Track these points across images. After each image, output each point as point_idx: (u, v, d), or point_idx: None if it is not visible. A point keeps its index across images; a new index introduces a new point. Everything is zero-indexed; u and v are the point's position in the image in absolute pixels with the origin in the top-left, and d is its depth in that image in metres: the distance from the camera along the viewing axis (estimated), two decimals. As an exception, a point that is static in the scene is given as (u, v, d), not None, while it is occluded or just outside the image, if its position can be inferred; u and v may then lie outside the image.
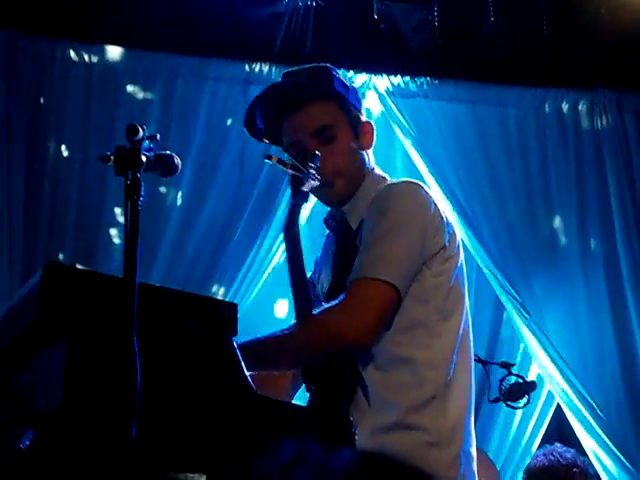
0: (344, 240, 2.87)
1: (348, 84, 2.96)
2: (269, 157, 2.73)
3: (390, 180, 2.92)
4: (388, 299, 2.62)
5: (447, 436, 2.67)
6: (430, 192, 2.84)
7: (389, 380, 2.68)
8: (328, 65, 3.00)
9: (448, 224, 2.79)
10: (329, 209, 2.98)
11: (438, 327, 2.73)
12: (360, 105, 2.96)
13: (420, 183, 2.88)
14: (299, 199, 2.71)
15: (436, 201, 2.81)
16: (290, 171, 2.69)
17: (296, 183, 2.70)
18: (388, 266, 2.63)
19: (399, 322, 2.67)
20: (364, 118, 2.94)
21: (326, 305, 2.65)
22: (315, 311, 2.66)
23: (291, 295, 2.78)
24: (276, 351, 2.61)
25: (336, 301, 2.63)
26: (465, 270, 2.86)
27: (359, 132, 2.88)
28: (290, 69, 3.00)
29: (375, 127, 2.98)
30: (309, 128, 2.83)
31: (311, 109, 2.83)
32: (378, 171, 2.97)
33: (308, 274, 3.06)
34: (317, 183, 2.72)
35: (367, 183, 2.88)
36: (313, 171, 2.68)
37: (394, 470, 2.44)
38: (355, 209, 2.85)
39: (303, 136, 2.83)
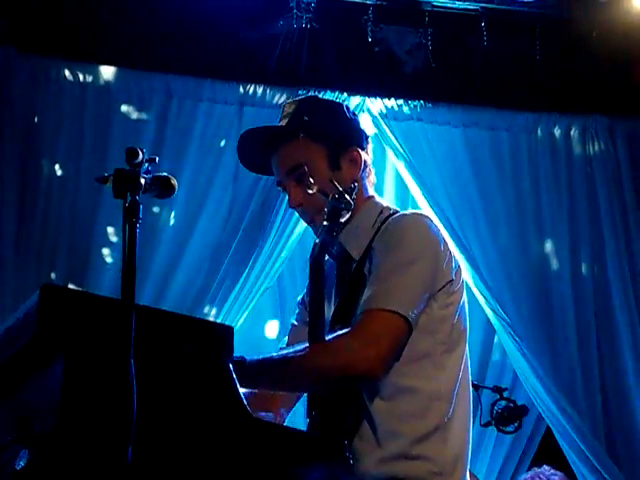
0: (345, 268, 2.87)
1: (341, 112, 2.97)
2: (309, 187, 2.75)
3: (394, 209, 2.93)
4: (400, 331, 2.63)
5: (450, 465, 2.68)
6: (438, 224, 2.87)
7: (394, 410, 2.68)
8: (315, 96, 3.04)
9: (455, 260, 2.81)
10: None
11: (443, 359, 2.74)
12: (353, 132, 2.96)
13: (428, 216, 2.90)
14: (332, 230, 2.71)
15: (444, 234, 2.85)
16: (332, 202, 2.69)
17: (336, 213, 2.69)
18: (401, 298, 2.64)
19: (406, 353, 2.68)
20: (350, 145, 2.92)
21: (338, 332, 2.65)
22: (328, 337, 2.66)
23: (295, 315, 2.79)
24: (287, 373, 2.61)
25: (348, 330, 2.63)
26: (466, 305, 2.88)
27: (341, 163, 2.89)
28: (286, 102, 3.05)
29: (367, 154, 2.98)
30: (283, 169, 2.89)
31: (284, 150, 2.88)
32: (378, 199, 2.97)
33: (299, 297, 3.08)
34: (348, 215, 2.73)
35: (364, 211, 2.89)
36: (352, 202, 2.69)
37: None
38: (353, 238, 2.86)
39: (281, 177, 2.90)
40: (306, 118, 2.89)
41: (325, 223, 2.68)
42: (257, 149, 2.94)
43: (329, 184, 2.75)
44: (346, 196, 2.66)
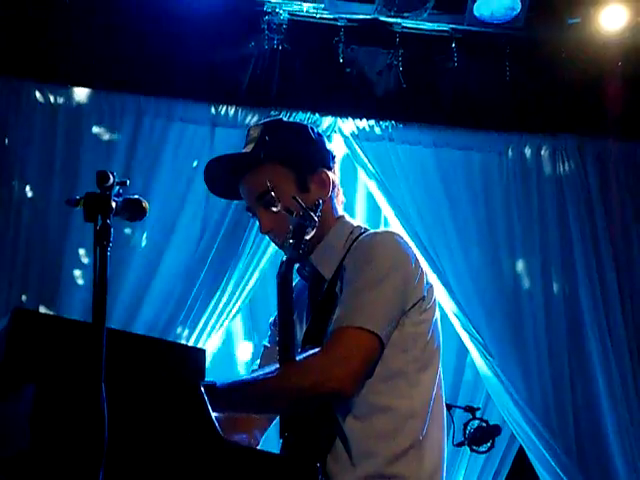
0: (317, 289, 2.87)
1: (307, 134, 2.97)
2: (274, 204, 2.74)
3: (364, 228, 2.94)
4: (371, 348, 2.63)
5: None
6: (408, 242, 2.86)
7: (368, 430, 2.68)
8: (279, 119, 3.05)
9: (426, 277, 2.82)
10: None
11: (417, 377, 2.74)
12: (320, 153, 2.96)
13: (398, 233, 2.91)
14: (300, 247, 2.71)
15: (415, 251, 2.84)
16: (296, 219, 2.69)
17: (300, 231, 2.69)
18: (372, 315, 2.64)
19: (379, 371, 2.68)
20: (318, 168, 2.93)
21: (309, 352, 2.64)
22: (298, 357, 2.65)
23: (267, 337, 2.78)
24: (258, 395, 2.61)
25: (319, 349, 2.62)
26: (439, 323, 2.88)
27: (309, 185, 2.90)
28: (253, 125, 3.05)
29: (334, 174, 2.98)
30: (251, 196, 2.90)
31: (251, 176, 2.89)
32: (348, 219, 2.98)
33: (271, 318, 3.07)
34: (314, 232, 2.72)
35: (334, 231, 2.90)
36: (317, 219, 2.69)
37: None
38: (324, 258, 2.86)
39: (250, 203, 2.92)
40: (271, 143, 2.88)
41: (290, 241, 2.68)
42: (224, 177, 2.94)
43: (294, 203, 2.76)
44: (310, 213, 2.66)
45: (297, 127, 3.09)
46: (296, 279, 3.04)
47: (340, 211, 2.99)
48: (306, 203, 2.74)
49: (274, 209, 2.76)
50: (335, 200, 2.97)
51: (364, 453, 2.66)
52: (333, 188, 2.95)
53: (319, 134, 3.04)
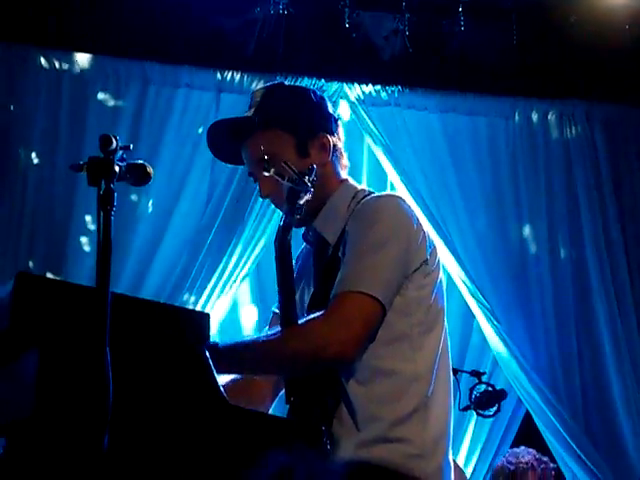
0: (322, 254, 2.87)
1: (308, 97, 2.94)
2: (266, 169, 2.72)
3: (368, 191, 2.92)
4: (372, 313, 2.62)
5: (430, 447, 2.67)
6: (411, 205, 2.84)
7: (372, 394, 2.66)
8: (281, 83, 3.03)
9: (429, 238, 2.79)
10: None
11: (420, 340, 2.72)
12: (321, 117, 2.92)
13: (401, 197, 2.89)
14: (294, 212, 2.70)
15: (417, 214, 2.82)
16: (288, 183, 2.69)
17: (293, 196, 2.69)
18: (373, 279, 2.63)
19: (382, 335, 2.66)
20: (318, 132, 2.89)
21: (311, 316, 2.64)
22: (300, 320, 2.66)
23: (277, 303, 2.78)
24: (259, 357, 2.61)
25: (320, 313, 2.62)
26: (443, 284, 2.87)
27: (309, 149, 2.87)
28: (254, 90, 3.02)
29: (337, 138, 2.96)
30: (251, 161, 2.88)
31: (251, 141, 2.86)
32: (351, 182, 2.96)
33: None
34: (310, 195, 2.71)
35: (337, 195, 2.88)
36: (309, 184, 2.68)
37: None
38: (327, 223, 2.85)
39: (251, 168, 2.89)
40: (271, 107, 2.86)
41: (285, 206, 2.68)
42: (227, 140, 2.92)
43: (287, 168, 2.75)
44: (303, 178, 2.65)
45: (298, 90, 3.06)
46: (303, 245, 3.04)
47: (344, 175, 2.97)
48: (304, 168, 2.73)
49: (265, 173, 2.74)
50: (338, 164, 2.95)
51: (368, 417, 2.66)
52: (335, 152, 2.92)
53: (321, 97, 3.00)
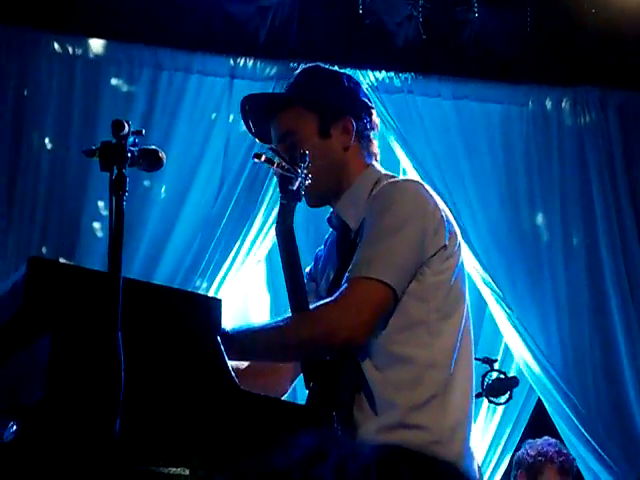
0: (344, 238, 2.86)
1: (340, 81, 2.94)
2: (257, 156, 2.74)
3: (392, 176, 2.91)
4: (383, 298, 2.62)
5: (448, 434, 2.66)
6: (431, 191, 2.81)
7: (389, 379, 2.66)
8: (317, 65, 3.03)
9: (449, 222, 2.77)
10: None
11: (439, 326, 2.70)
12: (349, 101, 2.92)
13: (421, 182, 2.88)
14: (289, 198, 2.71)
15: (437, 199, 2.79)
16: (278, 170, 2.69)
17: (284, 182, 2.70)
18: (384, 265, 2.62)
19: (400, 321, 2.66)
20: (350, 116, 2.88)
21: (322, 301, 2.66)
22: (311, 306, 2.66)
23: (286, 290, 2.78)
24: (269, 342, 2.62)
25: (331, 298, 2.63)
26: (465, 268, 2.86)
27: (332, 131, 2.87)
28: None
29: (368, 124, 2.95)
30: (277, 135, 2.89)
31: (278, 117, 2.88)
32: (377, 167, 2.94)
33: (307, 268, 3.06)
34: (308, 181, 2.72)
35: (360, 180, 2.87)
36: (302, 170, 2.68)
37: (403, 466, 2.45)
38: (350, 208, 2.84)
39: (276, 144, 2.89)
40: (301, 86, 2.91)
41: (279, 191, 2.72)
42: (259, 115, 2.94)
43: (321, 152, 2.77)
44: (294, 166, 2.67)
45: (331, 73, 3.05)
46: (330, 230, 3.04)
47: (369, 160, 2.96)
48: (328, 149, 2.78)
49: (257, 160, 2.76)
50: (365, 150, 2.93)
51: (386, 403, 2.65)
52: (362, 137, 2.92)
53: (355, 83, 3.01)
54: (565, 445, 5.30)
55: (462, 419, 2.72)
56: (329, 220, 2.99)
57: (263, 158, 2.72)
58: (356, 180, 2.87)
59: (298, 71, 3.01)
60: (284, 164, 2.68)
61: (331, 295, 2.69)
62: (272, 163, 2.70)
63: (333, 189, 2.85)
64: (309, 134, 2.84)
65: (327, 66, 3.07)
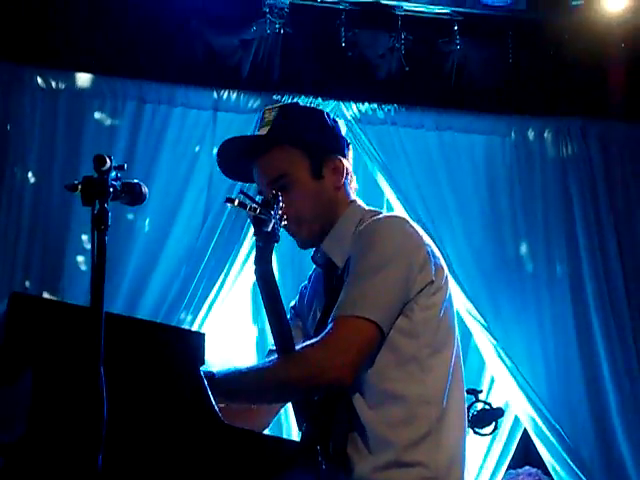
0: (330, 276, 2.86)
1: (323, 120, 2.93)
2: (230, 200, 2.69)
3: (375, 212, 2.91)
4: (369, 337, 2.61)
5: (444, 469, 2.66)
6: (415, 226, 2.82)
7: (383, 418, 2.66)
8: (296, 102, 3.03)
9: (435, 257, 2.77)
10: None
11: (430, 361, 2.70)
12: (334, 140, 2.93)
13: (405, 217, 2.88)
14: (264, 240, 2.70)
15: (422, 234, 2.80)
16: (251, 213, 2.68)
17: (258, 224, 2.69)
18: (370, 303, 2.61)
19: (391, 358, 2.66)
20: (332, 154, 2.89)
21: (308, 342, 2.64)
22: (297, 347, 2.65)
23: (271, 330, 2.77)
24: (257, 384, 2.61)
25: (317, 338, 2.61)
26: (453, 301, 2.85)
27: (324, 172, 2.87)
28: (266, 107, 2.97)
29: (348, 161, 2.96)
30: (266, 178, 2.85)
31: (266, 158, 2.84)
32: (359, 203, 2.94)
33: (291, 302, 3.05)
34: (283, 223, 2.71)
35: (345, 217, 2.87)
36: (277, 212, 2.67)
37: None
38: (336, 245, 2.84)
39: (263, 186, 2.86)
40: (287, 127, 2.85)
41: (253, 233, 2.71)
42: (238, 158, 2.90)
43: (313, 194, 2.77)
44: (274, 207, 2.66)
45: (313, 112, 3.05)
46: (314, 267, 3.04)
47: (353, 196, 2.96)
48: (321, 190, 2.78)
49: (230, 205, 2.73)
50: (348, 187, 2.94)
51: (381, 441, 2.64)
52: (346, 175, 2.93)
53: (334, 120, 3.00)
54: (549, 475, 5.29)
55: (457, 454, 2.72)
56: (313, 258, 2.98)
57: (236, 202, 2.69)
58: (341, 217, 2.87)
59: (274, 110, 2.92)
60: (257, 207, 2.67)
61: (318, 334, 2.68)
62: (245, 207, 2.68)
63: (326, 229, 2.84)
64: (302, 176, 2.82)
65: (307, 102, 3.07)
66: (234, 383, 2.53)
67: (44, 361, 2.10)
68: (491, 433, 5.18)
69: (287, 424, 5.30)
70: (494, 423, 5.06)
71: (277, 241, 2.72)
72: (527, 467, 5.16)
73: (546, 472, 5.40)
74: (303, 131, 2.87)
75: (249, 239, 5.46)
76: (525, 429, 5.61)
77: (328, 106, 5.71)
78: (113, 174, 2.19)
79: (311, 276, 3.06)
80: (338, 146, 2.93)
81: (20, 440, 2.09)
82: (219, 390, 2.40)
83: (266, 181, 2.84)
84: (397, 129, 5.82)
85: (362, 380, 2.66)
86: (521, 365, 5.55)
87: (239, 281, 5.48)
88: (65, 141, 5.47)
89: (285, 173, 2.80)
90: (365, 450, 2.65)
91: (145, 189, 2.31)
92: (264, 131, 2.85)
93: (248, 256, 5.46)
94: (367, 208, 2.93)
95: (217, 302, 5.42)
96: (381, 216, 2.86)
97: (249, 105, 5.67)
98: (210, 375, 2.43)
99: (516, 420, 5.65)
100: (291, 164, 2.82)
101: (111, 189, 2.17)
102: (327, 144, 2.90)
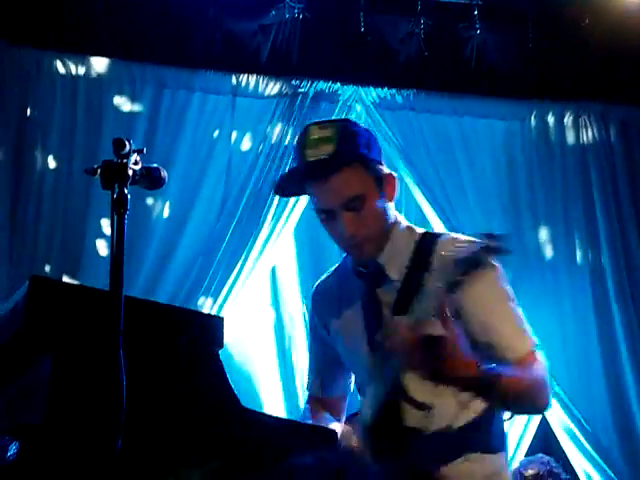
0: (372, 287, 2.86)
1: (370, 134, 2.88)
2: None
3: (414, 227, 2.93)
4: None
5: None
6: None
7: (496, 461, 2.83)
8: (348, 120, 2.99)
9: None
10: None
11: None
12: (380, 155, 2.89)
13: None
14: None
15: None
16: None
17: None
18: (530, 331, 2.77)
19: None
20: (385, 169, 2.85)
21: (539, 367, 2.72)
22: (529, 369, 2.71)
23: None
24: (530, 392, 2.70)
25: (536, 367, 2.71)
26: None
27: (383, 188, 2.83)
28: (312, 123, 2.85)
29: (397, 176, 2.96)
30: (340, 199, 2.76)
31: (338, 179, 2.75)
32: (401, 219, 2.93)
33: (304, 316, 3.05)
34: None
35: (398, 233, 2.87)
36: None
37: None
38: (393, 259, 2.83)
39: (333, 206, 2.77)
40: (353, 145, 2.78)
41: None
42: (302, 180, 2.82)
43: (380, 211, 2.79)
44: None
45: (367, 130, 3.01)
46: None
47: (394, 211, 2.92)
48: (386, 208, 2.81)
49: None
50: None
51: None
52: None
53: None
54: (565, 464, 5.30)
55: None
56: (354, 269, 2.92)
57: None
58: (394, 233, 2.86)
59: (327, 126, 2.82)
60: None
61: (373, 340, 2.78)
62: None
63: (382, 243, 2.85)
64: (372, 195, 2.78)
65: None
66: (509, 388, 2.59)
67: (64, 344, 2.11)
68: (509, 419, 5.17)
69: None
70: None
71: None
72: (540, 455, 5.16)
73: (561, 461, 5.38)
74: (365, 148, 2.81)
75: (268, 223, 5.47)
76: (544, 417, 5.60)
77: (347, 91, 5.71)
78: (132, 158, 2.20)
79: (326, 286, 3.06)
80: (382, 158, 2.93)
81: (40, 423, 2.10)
82: (499, 394, 2.55)
83: (340, 202, 2.75)
84: (416, 114, 5.81)
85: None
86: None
87: (258, 265, 5.48)
88: (85, 126, 5.48)
89: (360, 194, 2.75)
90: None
91: (164, 173, 2.31)
92: (329, 149, 2.74)
93: (267, 241, 5.47)
94: (405, 222, 2.93)
95: (236, 286, 5.42)
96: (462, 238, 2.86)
97: (268, 90, 5.67)
98: (498, 377, 2.52)
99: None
100: (362, 184, 2.77)
101: (130, 173, 2.17)
102: (379, 158, 2.89)
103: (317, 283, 3.11)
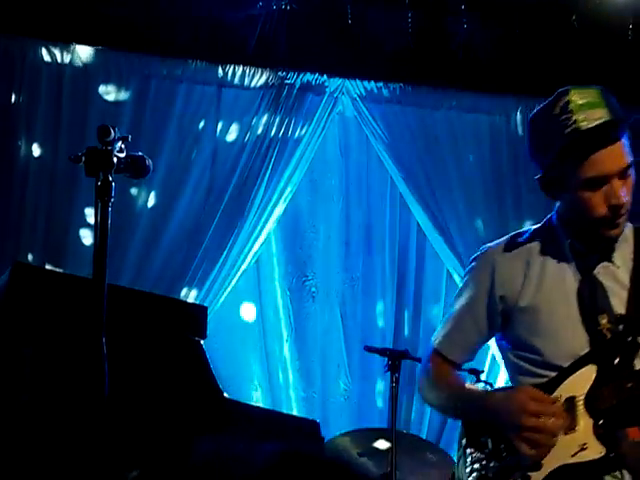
0: (589, 266, 2.79)
1: None
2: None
3: None
4: None
5: None
6: None
7: None
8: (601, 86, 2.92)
9: None
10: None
11: None
12: None
13: None
14: None
15: None
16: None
17: None
18: None
19: None
20: None
21: None
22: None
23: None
24: None
25: None
26: None
27: None
28: (565, 90, 2.87)
29: None
30: (618, 165, 2.68)
31: (621, 144, 2.67)
32: None
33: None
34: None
35: None
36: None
37: None
38: (621, 245, 2.79)
39: (611, 171, 2.67)
40: (621, 111, 2.71)
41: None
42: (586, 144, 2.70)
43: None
44: None
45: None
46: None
47: None
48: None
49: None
50: None
51: None
52: None
53: None
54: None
55: None
56: (572, 245, 2.84)
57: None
58: None
59: (598, 93, 2.80)
60: None
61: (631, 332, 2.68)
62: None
63: None
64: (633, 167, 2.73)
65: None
66: None
67: (45, 331, 2.10)
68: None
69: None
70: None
71: None
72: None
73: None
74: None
75: (253, 214, 5.46)
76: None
77: (334, 83, 5.71)
78: (117, 145, 2.19)
79: (517, 259, 2.94)
80: None
81: (21, 408, 2.09)
82: None
83: (618, 168, 2.67)
84: (402, 107, 5.80)
85: None
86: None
87: (242, 257, 5.47)
88: (70, 115, 5.46)
89: (631, 162, 2.67)
90: None
91: (149, 162, 2.31)
92: (601, 115, 2.67)
93: (252, 232, 5.46)
94: None
95: (220, 277, 5.41)
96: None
97: (254, 81, 5.66)
98: None
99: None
100: (630, 152, 2.69)
101: (115, 160, 2.16)
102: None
103: (496, 250, 3.05)
